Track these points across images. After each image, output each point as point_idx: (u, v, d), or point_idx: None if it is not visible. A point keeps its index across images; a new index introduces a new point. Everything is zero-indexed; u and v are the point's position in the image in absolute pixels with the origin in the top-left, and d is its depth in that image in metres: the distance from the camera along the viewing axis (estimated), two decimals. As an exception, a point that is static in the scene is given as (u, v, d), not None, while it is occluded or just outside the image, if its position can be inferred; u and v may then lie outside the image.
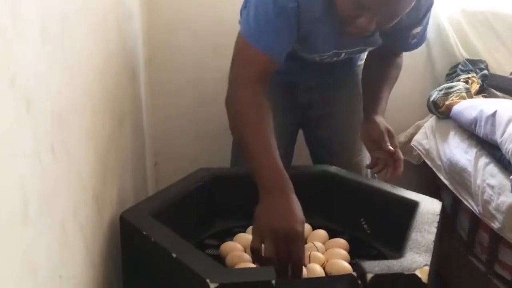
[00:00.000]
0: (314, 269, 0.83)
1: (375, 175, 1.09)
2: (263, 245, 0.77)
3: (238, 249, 0.90)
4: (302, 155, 1.37)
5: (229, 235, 1.01)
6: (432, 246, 0.74)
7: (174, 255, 0.70)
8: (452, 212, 1.53)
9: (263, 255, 0.77)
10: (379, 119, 1.08)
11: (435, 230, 0.79)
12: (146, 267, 0.79)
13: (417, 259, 0.70)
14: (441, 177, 1.52)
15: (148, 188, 1.51)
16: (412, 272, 0.66)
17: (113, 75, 0.98)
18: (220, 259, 0.90)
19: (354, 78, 1.25)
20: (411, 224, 0.83)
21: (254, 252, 0.78)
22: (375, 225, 0.99)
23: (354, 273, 0.70)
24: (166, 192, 0.97)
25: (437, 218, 0.84)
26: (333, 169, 1.08)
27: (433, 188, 1.61)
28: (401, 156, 1.04)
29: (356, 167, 1.26)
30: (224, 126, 1.62)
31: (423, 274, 0.67)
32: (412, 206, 0.91)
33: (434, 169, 1.55)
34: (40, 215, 0.51)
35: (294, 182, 1.07)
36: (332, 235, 1.00)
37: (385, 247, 0.96)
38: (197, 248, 0.94)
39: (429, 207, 0.89)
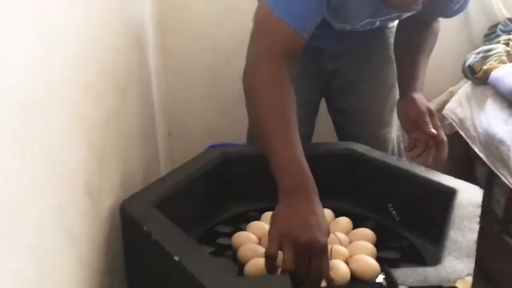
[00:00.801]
0: (337, 266, 0.73)
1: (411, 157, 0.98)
2: (279, 252, 0.68)
3: (252, 241, 0.81)
4: (324, 128, 1.26)
5: (243, 221, 0.92)
6: (474, 248, 0.64)
7: (176, 258, 0.61)
8: (487, 187, 1.42)
9: (279, 264, 0.68)
10: (418, 96, 0.96)
11: (477, 227, 0.69)
12: (147, 266, 0.71)
13: (457, 266, 0.60)
14: (476, 149, 1.40)
15: (161, 161, 1.43)
16: (453, 285, 0.57)
17: (113, 43, 0.88)
18: (232, 251, 0.81)
19: (384, 42, 1.13)
20: (448, 218, 0.72)
21: (269, 259, 0.68)
22: (405, 212, 0.89)
23: (383, 281, 0.60)
24: (172, 176, 0.88)
25: (478, 211, 0.73)
26: (358, 147, 0.97)
27: (466, 160, 1.49)
28: (445, 138, 0.93)
29: (383, 139, 1.15)
30: (239, 93, 1.52)
31: (465, 286, 0.57)
32: (448, 193, 0.80)
33: (468, 141, 1.43)
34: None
35: (315, 161, 0.97)
36: (356, 221, 0.91)
37: (416, 236, 0.86)
38: (208, 236, 0.87)
39: (469, 196, 0.78)
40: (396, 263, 0.79)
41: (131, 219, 0.72)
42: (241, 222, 0.92)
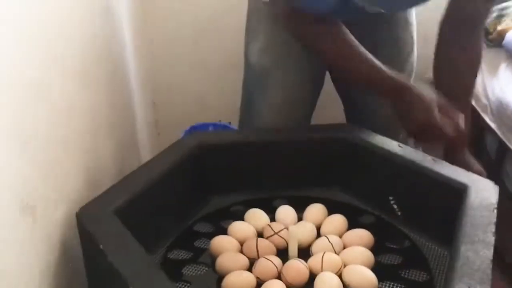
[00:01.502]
0: (329, 281, 0.64)
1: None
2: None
3: (232, 247, 0.71)
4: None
5: (225, 216, 0.82)
6: (490, 269, 0.54)
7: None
8: (497, 159, 1.31)
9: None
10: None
11: (492, 239, 0.58)
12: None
13: (470, 298, 0.50)
14: (487, 119, 1.28)
15: (145, 134, 1.32)
16: (464, 326, 0.47)
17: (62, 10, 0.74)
18: (211, 258, 0.72)
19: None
20: (459, 226, 0.62)
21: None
22: (407, 207, 0.79)
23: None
24: (142, 171, 0.77)
25: (494, 217, 0.63)
26: (357, 133, 0.86)
27: (476, 130, 1.37)
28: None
29: None
30: (227, 59, 1.39)
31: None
32: (459, 191, 0.69)
33: (479, 109, 1.31)
34: None
35: (309, 147, 0.87)
36: (353, 215, 0.81)
37: (419, 234, 0.76)
38: (186, 238, 0.77)
39: (483, 195, 0.67)
40: (396, 271, 0.69)
41: (86, 233, 0.62)
42: (223, 218, 0.82)
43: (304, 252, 0.71)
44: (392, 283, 0.67)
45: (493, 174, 1.25)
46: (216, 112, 1.42)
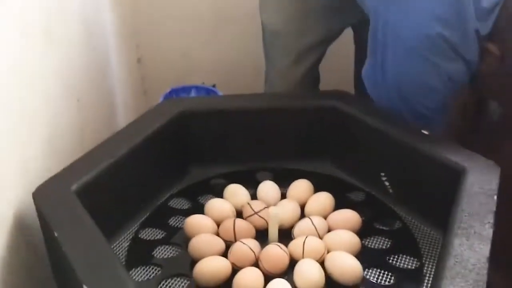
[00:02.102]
0: (308, 270, 0.58)
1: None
2: None
3: (207, 229, 0.66)
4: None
5: (204, 191, 0.77)
6: (485, 268, 0.48)
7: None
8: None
9: None
10: None
11: (490, 231, 0.53)
12: (64, 278, 0.56)
13: (461, 303, 0.44)
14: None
15: (131, 93, 1.24)
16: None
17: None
18: (185, 238, 0.66)
19: None
20: (453, 215, 0.56)
21: None
22: (401, 185, 0.73)
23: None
24: (115, 140, 0.71)
25: (493, 205, 0.56)
26: (349, 102, 0.78)
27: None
28: None
29: None
30: (217, 10, 1.28)
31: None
32: (455, 173, 0.63)
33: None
34: None
35: (300, 116, 0.80)
36: (342, 190, 0.75)
37: (411, 214, 0.71)
38: (160, 215, 0.72)
39: (481, 179, 0.61)
40: (384, 256, 0.64)
41: (42, 217, 0.57)
42: (202, 193, 0.76)
43: (286, 234, 0.66)
44: (378, 270, 0.62)
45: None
46: (204, 71, 1.34)
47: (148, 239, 0.68)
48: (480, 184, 0.59)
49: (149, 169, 0.73)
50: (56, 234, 0.53)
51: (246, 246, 0.61)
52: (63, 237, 0.52)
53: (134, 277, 0.62)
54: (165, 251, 0.66)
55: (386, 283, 0.61)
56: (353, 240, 0.63)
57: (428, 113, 0.73)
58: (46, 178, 0.61)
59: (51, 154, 0.72)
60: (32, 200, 0.59)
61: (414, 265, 0.63)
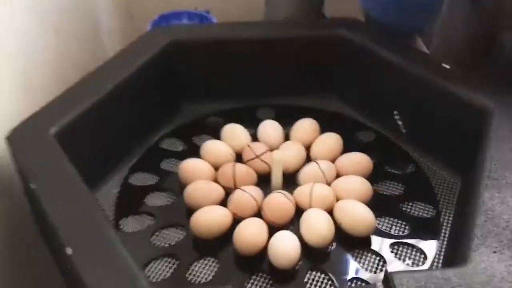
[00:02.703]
0: (316, 220, 0.53)
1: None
2: None
3: (205, 175, 0.60)
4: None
5: (199, 130, 0.70)
6: (519, 225, 0.43)
7: (69, 251, 0.40)
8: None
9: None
10: None
11: (524, 182, 0.47)
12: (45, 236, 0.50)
13: (494, 267, 0.39)
14: None
15: (117, 18, 1.14)
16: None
17: None
18: (180, 184, 0.60)
19: None
20: (480, 163, 0.50)
21: None
22: (414, 124, 0.66)
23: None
24: (96, 76, 0.63)
25: (526, 151, 0.50)
26: (363, 31, 0.70)
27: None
28: None
29: None
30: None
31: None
32: (479, 113, 0.56)
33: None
34: None
35: (305, 46, 0.72)
36: (350, 130, 0.69)
37: (425, 157, 0.65)
38: (152, 158, 0.66)
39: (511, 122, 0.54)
40: (397, 203, 0.59)
41: (18, 165, 0.50)
42: (197, 133, 0.70)
43: (290, 180, 0.60)
44: (391, 219, 0.57)
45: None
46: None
47: (139, 185, 0.62)
48: (510, 127, 0.53)
49: (138, 107, 0.66)
50: (33, 187, 0.46)
51: (248, 194, 0.56)
52: (42, 190, 0.46)
53: (124, 228, 0.56)
54: (158, 198, 0.60)
55: (400, 233, 0.56)
56: (364, 186, 0.58)
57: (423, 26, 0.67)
58: (22, 120, 0.54)
59: (28, 92, 0.64)
60: (6, 145, 0.52)
61: (429, 213, 0.58)
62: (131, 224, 0.57)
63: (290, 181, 0.60)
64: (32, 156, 0.50)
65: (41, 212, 0.45)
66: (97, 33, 1.00)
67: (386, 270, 0.39)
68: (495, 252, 0.40)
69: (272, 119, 0.69)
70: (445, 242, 0.54)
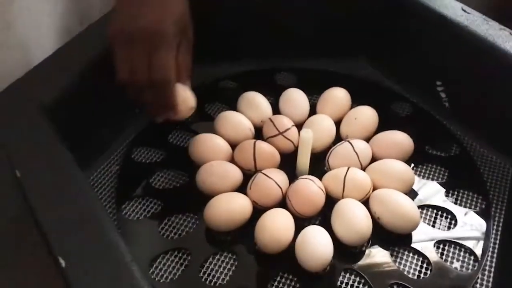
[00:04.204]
0: (353, 215, 0.45)
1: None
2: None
3: (220, 154, 0.51)
4: None
5: (211, 97, 0.61)
6: None
7: (62, 263, 0.33)
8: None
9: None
10: None
11: None
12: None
13: None
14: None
15: None
16: None
17: None
18: (191, 161, 0.52)
19: None
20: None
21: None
22: (460, 98, 0.58)
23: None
24: (89, 35, 0.53)
25: None
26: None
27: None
28: None
29: None
30: None
31: None
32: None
33: None
34: None
35: (329, 1, 0.62)
36: (383, 100, 0.60)
37: (472, 137, 0.57)
38: (155, 130, 0.57)
39: None
40: (440, 193, 0.51)
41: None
42: (208, 100, 0.61)
43: (317, 161, 0.52)
44: (434, 212, 0.50)
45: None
46: None
47: (143, 161, 0.54)
48: None
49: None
50: (19, 175, 0.38)
51: (272, 181, 0.48)
52: (27, 177, 0.38)
53: (127, 214, 0.49)
54: (165, 179, 0.52)
55: (445, 228, 0.48)
56: (407, 173, 0.50)
57: None
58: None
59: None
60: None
61: (479, 205, 0.50)
62: (135, 210, 0.49)
63: (317, 163, 0.52)
64: (15, 134, 0.41)
65: (26, 198, 0.37)
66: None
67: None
68: None
69: (294, 86, 0.60)
70: (498, 241, 0.47)
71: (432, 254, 0.46)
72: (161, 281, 0.44)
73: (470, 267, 0.45)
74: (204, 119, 0.58)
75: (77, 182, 0.38)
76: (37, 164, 0.39)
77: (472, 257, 0.46)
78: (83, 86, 0.49)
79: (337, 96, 0.57)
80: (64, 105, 0.46)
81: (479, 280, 0.44)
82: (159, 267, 0.45)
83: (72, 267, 0.33)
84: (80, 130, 0.49)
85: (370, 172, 0.50)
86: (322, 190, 0.48)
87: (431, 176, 0.53)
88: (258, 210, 0.47)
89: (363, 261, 0.45)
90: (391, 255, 0.46)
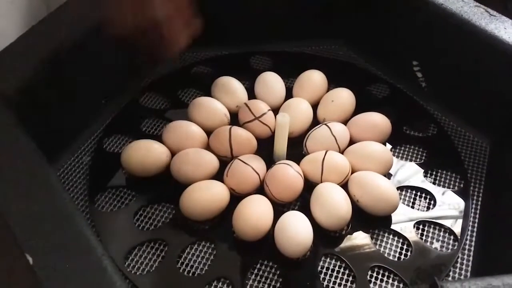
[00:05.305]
0: (332, 199, 0.45)
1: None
2: None
3: (195, 141, 0.50)
4: None
5: (184, 83, 0.59)
6: None
7: (30, 261, 0.31)
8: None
9: None
10: None
11: None
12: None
13: None
14: None
15: None
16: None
17: None
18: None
19: None
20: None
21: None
22: (436, 76, 0.57)
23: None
24: (60, 16, 0.51)
25: None
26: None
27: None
28: None
29: None
30: None
31: None
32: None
33: None
34: None
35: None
36: (360, 82, 0.59)
37: (449, 116, 0.56)
38: (128, 117, 0.55)
39: None
40: (419, 173, 0.51)
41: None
42: (181, 86, 0.59)
43: (294, 145, 0.51)
44: (412, 193, 0.49)
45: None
46: None
47: (115, 151, 0.52)
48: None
49: (110, 55, 0.54)
50: None
51: (249, 167, 0.47)
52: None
53: (100, 206, 0.47)
54: (139, 168, 0.51)
55: (424, 209, 0.48)
56: (385, 155, 0.49)
57: None
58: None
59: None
60: None
61: (457, 185, 0.50)
62: (109, 201, 0.48)
63: (295, 147, 0.51)
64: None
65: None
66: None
67: (435, 279, 0.32)
68: None
69: (269, 69, 0.58)
70: (477, 220, 0.47)
71: (412, 235, 0.46)
72: (138, 273, 0.42)
73: (450, 247, 0.45)
74: (177, 106, 0.56)
75: (42, 175, 0.36)
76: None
77: (451, 237, 0.46)
78: (47, 74, 0.47)
79: (314, 78, 0.56)
80: (27, 95, 0.44)
81: (459, 260, 0.44)
82: (135, 260, 0.43)
83: (40, 264, 0.31)
84: (46, 120, 0.47)
85: (349, 155, 0.49)
86: (300, 175, 0.47)
87: (409, 157, 0.53)
88: (236, 198, 0.46)
89: (344, 245, 0.45)
90: (371, 237, 0.45)
